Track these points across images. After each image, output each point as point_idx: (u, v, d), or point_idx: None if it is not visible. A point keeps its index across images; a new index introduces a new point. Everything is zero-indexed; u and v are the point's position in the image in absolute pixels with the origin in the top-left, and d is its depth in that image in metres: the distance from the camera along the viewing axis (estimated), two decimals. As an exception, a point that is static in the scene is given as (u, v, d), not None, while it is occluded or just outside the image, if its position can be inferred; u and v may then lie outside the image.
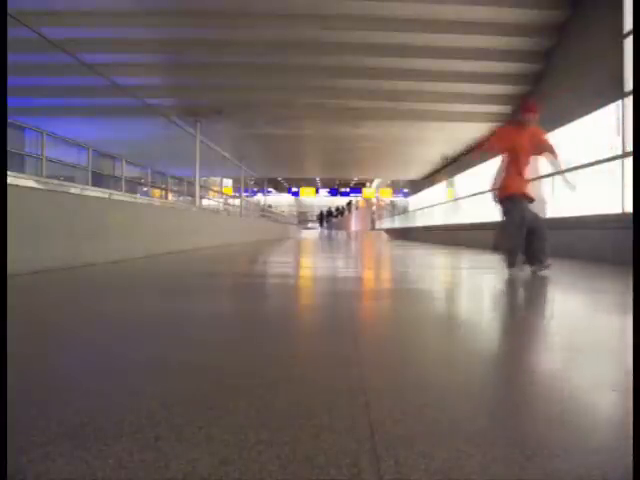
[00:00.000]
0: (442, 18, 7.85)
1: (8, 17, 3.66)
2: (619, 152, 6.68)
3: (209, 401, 1.14)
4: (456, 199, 15.98)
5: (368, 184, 47.56)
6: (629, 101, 6.37)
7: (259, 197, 31.87)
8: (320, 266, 6.35)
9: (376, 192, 43.82)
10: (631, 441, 0.88)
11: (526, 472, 0.82)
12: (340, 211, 45.64)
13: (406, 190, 29.17)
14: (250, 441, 0.92)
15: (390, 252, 10.87)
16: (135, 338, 1.85)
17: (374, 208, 44.34)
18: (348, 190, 48.17)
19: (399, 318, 2.42)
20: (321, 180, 45.84)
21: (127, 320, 2.21)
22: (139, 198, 10.80)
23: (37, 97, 9.78)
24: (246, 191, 19.96)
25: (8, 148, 6.18)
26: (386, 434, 0.96)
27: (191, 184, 12.38)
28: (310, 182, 45.75)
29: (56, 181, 7.98)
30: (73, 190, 7.44)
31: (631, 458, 0.83)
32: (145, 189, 13.56)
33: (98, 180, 9.25)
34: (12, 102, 7.91)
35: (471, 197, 14.11)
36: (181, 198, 14.78)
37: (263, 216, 22.12)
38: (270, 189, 38.60)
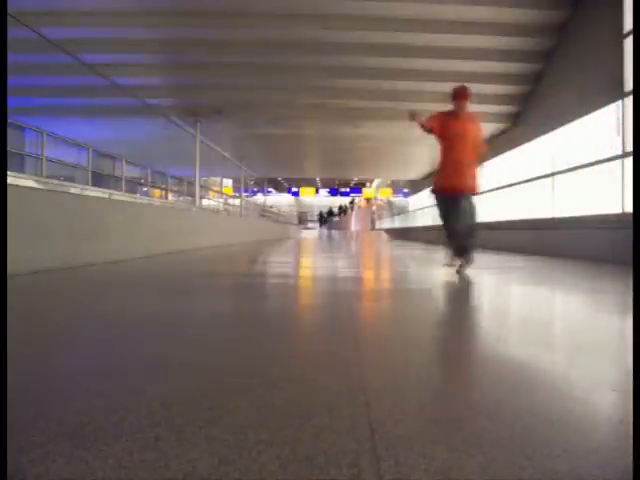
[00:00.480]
0: (442, 18, 7.85)
1: (8, 17, 3.66)
2: (619, 152, 6.68)
3: (209, 401, 1.14)
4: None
5: (368, 184, 47.56)
6: (629, 101, 6.36)
7: (259, 197, 31.89)
8: (320, 266, 6.35)
9: (376, 192, 43.82)
10: (631, 441, 0.88)
11: (526, 472, 0.82)
12: (343, 209, 45.66)
13: (406, 190, 29.17)
14: (250, 441, 0.92)
15: (390, 252, 10.87)
16: (135, 338, 1.85)
17: (374, 208, 44.35)
18: (348, 190, 48.18)
19: (399, 318, 2.42)
20: (321, 180, 45.85)
21: (127, 320, 2.21)
22: (139, 198, 10.80)
23: (37, 97, 9.77)
24: (246, 191, 19.96)
25: (8, 148, 6.18)
26: (386, 434, 0.96)
27: (191, 184, 12.38)
28: (310, 182, 45.75)
29: (56, 181, 7.98)
30: (73, 190, 7.44)
31: (631, 458, 0.83)
32: (145, 189, 13.56)
33: (98, 180, 9.25)
34: (12, 102, 7.91)
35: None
36: (181, 198, 14.78)
37: (263, 216, 22.12)
38: (270, 189, 38.61)
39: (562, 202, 8.59)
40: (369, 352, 1.68)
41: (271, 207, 27.11)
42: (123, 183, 9.55)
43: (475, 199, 4.37)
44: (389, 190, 36.96)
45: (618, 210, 6.55)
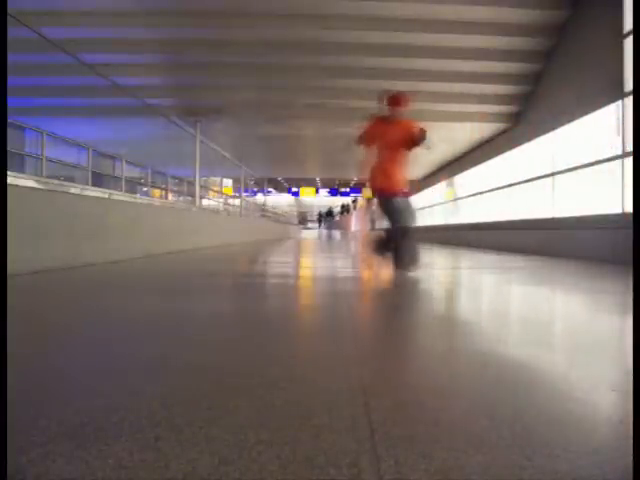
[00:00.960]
0: (442, 18, 7.85)
1: (8, 17, 3.66)
2: (619, 152, 6.68)
3: (209, 401, 1.14)
4: (456, 199, 15.98)
5: (368, 184, 47.48)
6: (629, 101, 6.37)
7: (259, 197, 31.87)
8: (320, 266, 6.35)
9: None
10: (631, 441, 0.88)
11: (526, 472, 0.82)
12: (346, 208, 45.65)
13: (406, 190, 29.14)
14: (250, 441, 0.92)
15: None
16: (135, 338, 1.84)
17: (374, 208, 44.30)
18: (348, 190, 48.14)
19: (399, 318, 2.42)
20: (321, 180, 45.82)
21: (127, 320, 2.21)
22: (139, 198, 10.80)
23: (37, 97, 9.77)
24: (246, 191, 19.94)
25: (8, 148, 6.18)
26: (386, 434, 0.96)
27: (191, 184, 12.37)
28: (310, 182, 45.72)
29: (56, 181, 7.98)
30: (73, 190, 7.43)
31: (631, 458, 0.83)
32: (145, 189, 13.57)
33: (98, 180, 9.26)
34: (12, 102, 7.90)
35: (473, 196, 14.13)
36: (181, 198, 14.77)
37: (263, 216, 22.11)
38: (270, 189, 38.59)
39: (562, 202, 8.60)
40: (369, 352, 1.68)
41: (274, 208, 27.11)
42: (123, 183, 9.55)
43: (411, 201, 4.40)
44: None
45: (618, 210, 6.55)
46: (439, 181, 18.14)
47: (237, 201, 18.32)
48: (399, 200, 4.28)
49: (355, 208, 46.40)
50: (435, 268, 6.02)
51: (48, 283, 3.57)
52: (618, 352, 1.75)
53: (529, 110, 9.90)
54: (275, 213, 26.51)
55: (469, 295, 3.64)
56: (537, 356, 1.63)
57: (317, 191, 48.14)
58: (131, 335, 1.90)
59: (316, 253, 10.09)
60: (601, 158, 7.18)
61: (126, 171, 9.92)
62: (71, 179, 10.10)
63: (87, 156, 8.50)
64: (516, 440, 0.94)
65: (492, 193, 12.35)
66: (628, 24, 6.31)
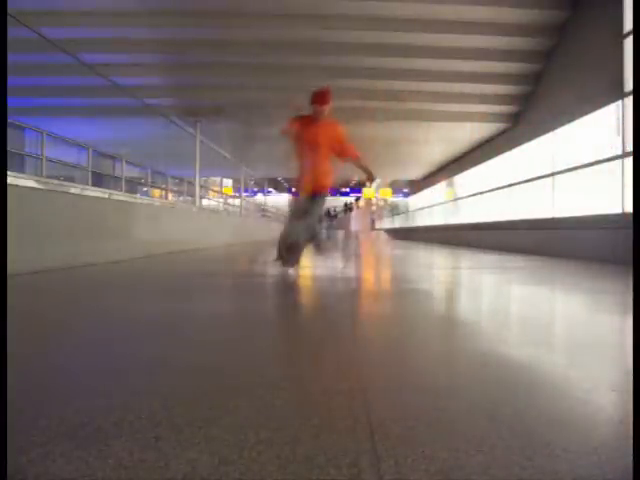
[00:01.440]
0: (442, 18, 7.85)
1: (8, 17, 3.66)
2: (619, 152, 6.68)
3: (209, 401, 1.14)
4: (456, 199, 15.98)
5: (368, 184, 47.53)
6: (629, 101, 6.37)
7: (259, 197, 31.87)
8: (320, 265, 6.34)
9: (376, 192, 43.81)
10: (631, 441, 0.88)
11: (526, 472, 0.82)
12: (349, 207, 45.72)
13: (406, 190, 29.14)
14: (250, 441, 0.92)
15: (390, 252, 10.87)
16: (135, 338, 1.84)
17: (374, 208, 44.33)
18: (348, 190, 48.12)
19: (399, 318, 2.42)
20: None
21: (127, 320, 2.20)
22: (139, 198, 10.80)
23: (37, 97, 9.77)
24: (246, 191, 19.94)
25: (8, 148, 6.18)
26: (386, 434, 0.96)
27: (191, 184, 12.37)
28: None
29: (56, 181, 7.99)
30: (73, 190, 7.44)
31: (631, 458, 0.83)
32: (145, 189, 13.57)
33: (98, 180, 9.27)
34: (12, 102, 7.91)
35: (473, 196, 14.13)
36: (181, 198, 14.78)
37: (264, 216, 22.11)
38: (270, 189, 38.56)
39: (562, 202, 8.60)
40: (369, 352, 1.68)
41: (277, 210, 27.07)
42: (123, 183, 9.56)
43: (323, 201, 4.31)
44: (389, 190, 36.92)
45: (618, 210, 6.55)
46: (439, 181, 18.14)
47: (237, 201, 18.32)
48: (318, 200, 4.21)
49: (357, 206, 46.44)
50: (435, 268, 6.02)
51: (48, 283, 3.57)
52: (618, 352, 1.75)
53: (529, 110, 9.91)
54: (275, 213, 26.50)
55: (470, 295, 3.64)
56: (537, 356, 1.63)
57: (317, 191, 48.09)
58: (131, 335, 1.90)
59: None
60: (601, 158, 7.18)
61: (126, 171, 9.92)
62: (71, 179, 10.11)
63: (87, 156, 8.51)
64: (516, 440, 0.94)
65: (492, 193, 12.36)
66: (628, 24, 6.31)
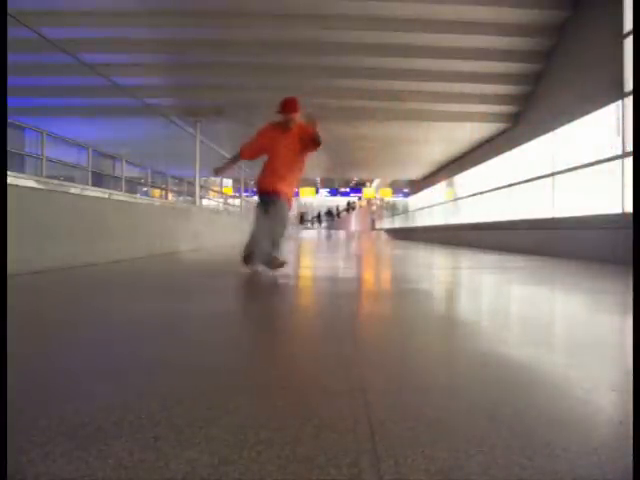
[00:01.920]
0: (442, 18, 7.85)
1: (8, 17, 3.66)
2: (619, 152, 6.68)
3: (209, 401, 1.14)
4: (456, 199, 15.98)
5: (368, 184, 47.52)
6: (629, 101, 6.37)
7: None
8: (321, 266, 6.34)
9: (376, 192, 43.85)
10: (631, 441, 0.88)
11: (526, 472, 0.82)
12: (352, 206, 45.84)
13: (406, 190, 29.16)
14: (250, 441, 0.92)
15: (390, 252, 10.87)
16: (135, 338, 1.84)
17: (374, 208, 44.36)
18: (348, 190, 48.13)
19: (399, 318, 2.42)
20: (321, 180, 45.82)
21: (127, 320, 2.20)
22: (139, 198, 10.80)
23: (37, 97, 9.77)
24: (246, 191, 19.94)
25: (8, 148, 6.18)
26: (386, 434, 0.96)
27: (191, 184, 12.37)
28: (310, 182, 45.70)
29: (56, 181, 7.99)
30: (73, 190, 7.43)
31: (631, 458, 0.83)
32: (145, 189, 13.58)
33: (98, 180, 9.27)
34: (12, 102, 7.91)
35: (473, 196, 14.13)
36: (181, 198, 14.78)
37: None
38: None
39: (562, 202, 8.60)
40: (369, 352, 1.68)
41: None
42: (123, 183, 9.56)
43: (285, 205, 4.30)
44: (389, 190, 36.95)
45: (618, 210, 6.55)
46: (439, 181, 18.14)
47: (237, 201, 18.33)
48: (279, 202, 4.21)
49: (359, 206, 46.56)
50: (435, 268, 6.02)
51: (48, 283, 3.57)
52: (618, 352, 1.75)
53: (529, 110, 9.91)
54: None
55: (470, 295, 3.64)
56: (537, 356, 1.63)
57: (317, 191, 48.12)
58: (131, 335, 1.89)
59: (317, 254, 10.09)
60: (601, 158, 7.18)
61: (126, 171, 9.92)
62: (71, 179, 10.11)
63: (87, 156, 8.51)
64: (516, 440, 0.94)
65: (492, 193, 12.36)
66: (628, 24, 6.31)
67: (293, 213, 46.90)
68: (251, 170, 18.92)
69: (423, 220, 21.01)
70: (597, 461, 0.86)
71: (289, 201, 4.39)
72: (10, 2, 2.44)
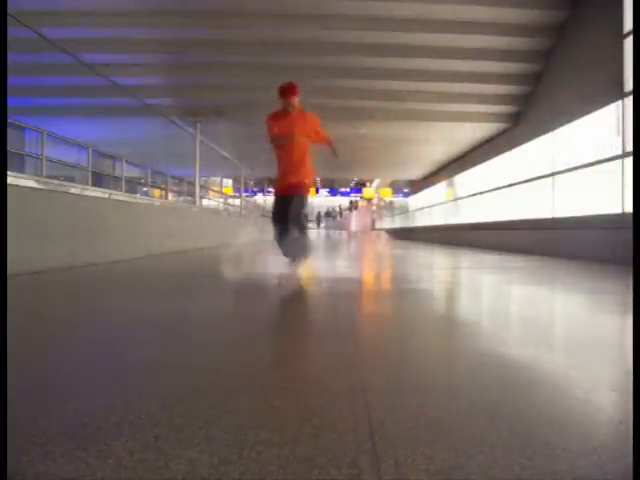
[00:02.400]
0: (442, 18, 7.85)
1: (8, 17, 3.66)
2: (619, 152, 6.68)
3: (209, 401, 1.14)
4: (456, 199, 15.97)
5: (368, 184, 47.58)
6: (629, 101, 6.37)
7: (259, 197, 31.89)
8: (321, 266, 6.34)
9: (376, 192, 43.88)
10: (631, 441, 0.88)
11: (526, 472, 0.82)
12: (354, 205, 45.97)
13: (406, 190, 29.17)
14: (250, 441, 0.92)
15: (390, 252, 10.87)
16: (135, 338, 1.84)
17: (374, 208, 44.38)
18: (348, 190, 48.15)
19: (399, 318, 2.42)
20: (321, 180, 45.83)
21: (127, 320, 2.20)
22: (139, 198, 10.80)
23: (37, 97, 9.77)
24: (246, 191, 19.95)
25: (8, 148, 6.18)
26: (386, 434, 0.96)
27: (191, 184, 12.38)
28: (309, 182, 45.69)
29: (56, 181, 7.99)
30: (73, 190, 7.43)
31: (631, 458, 0.83)
32: (145, 189, 13.58)
33: (98, 180, 9.27)
34: (12, 102, 7.91)
35: (473, 196, 14.13)
36: (181, 198, 14.78)
37: (264, 216, 22.11)
38: (270, 189, 38.58)
39: (562, 202, 8.60)
40: (369, 352, 1.68)
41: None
42: (123, 183, 9.56)
43: (306, 199, 4.24)
44: (389, 190, 36.96)
45: (618, 210, 6.55)
46: (439, 181, 18.14)
47: (237, 201, 18.34)
48: (299, 198, 4.13)
49: (358, 206, 46.62)
50: (435, 268, 6.02)
51: (48, 283, 3.57)
52: (618, 352, 1.75)
53: (529, 110, 9.90)
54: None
55: (470, 295, 3.64)
56: (537, 356, 1.63)
57: (317, 191, 48.18)
58: (131, 335, 1.89)
59: (317, 254, 10.08)
60: (601, 158, 7.18)
61: (126, 171, 9.92)
62: (71, 179, 10.11)
63: (87, 156, 8.51)
64: (516, 440, 0.94)
65: (492, 193, 12.36)
66: (628, 24, 6.31)
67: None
68: (252, 170, 18.94)
69: (423, 220, 21.01)
70: (597, 461, 0.86)
71: (308, 191, 4.27)
72: (10, 2, 2.44)
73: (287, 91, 4.18)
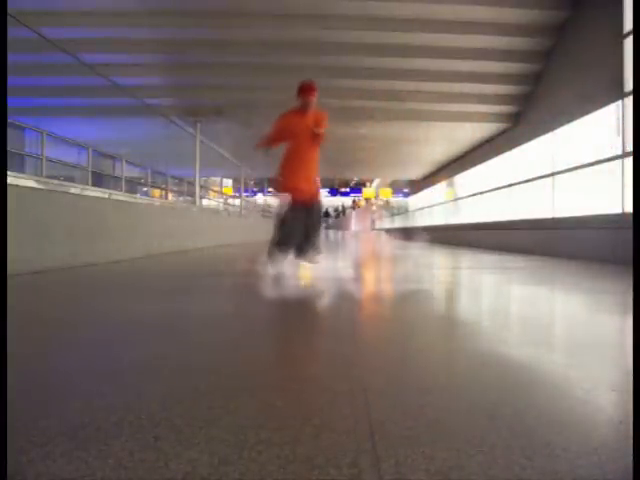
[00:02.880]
0: (442, 18, 7.85)
1: (8, 17, 3.66)
2: (619, 152, 6.68)
3: (209, 401, 1.14)
4: (456, 199, 15.97)
5: (368, 184, 47.58)
6: (629, 101, 6.37)
7: (259, 197, 31.89)
8: (321, 266, 6.34)
9: (376, 192, 43.89)
10: (631, 441, 0.88)
11: (526, 472, 0.82)
12: (357, 204, 46.05)
13: (406, 190, 29.17)
14: (250, 441, 0.92)
15: (390, 252, 10.86)
16: (135, 338, 1.84)
17: (374, 208, 44.39)
18: (348, 190, 48.13)
19: (399, 318, 2.42)
20: (321, 180, 45.87)
21: (127, 320, 2.20)
22: (139, 198, 10.80)
23: (37, 97, 9.77)
24: (246, 191, 19.95)
25: (8, 148, 6.18)
26: (386, 434, 0.96)
27: (191, 184, 12.37)
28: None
29: (56, 181, 7.98)
30: (73, 190, 7.43)
31: (631, 458, 0.83)
32: (145, 189, 13.57)
33: (98, 180, 9.26)
34: (12, 102, 7.91)
35: (473, 196, 14.13)
36: (181, 198, 14.78)
37: (264, 216, 22.12)
38: (270, 189, 38.57)
39: (562, 202, 8.60)
40: (369, 353, 1.68)
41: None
42: (123, 183, 9.56)
43: (321, 206, 4.30)
44: (389, 190, 36.96)
45: (618, 210, 6.55)
46: (439, 181, 18.14)
47: (237, 201, 18.33)
48: (317, 207, 4.15)
49: (357, 207, 46.67)
50: (435, 268, 6.02)
51: (48, 283, 3.57)
52: (618, 352, 1.75)
53: (529, 110, 9.90)
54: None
55: (470, 295, 3.64)
56: (537, 356, 1.62)
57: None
58: (131, 335, 1.89)
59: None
60: (601, 158, 7.18)
61: (126, 171, 9.92)
62: (71, 179, 10.11)
63: (87, 156, 8.51)
64: (516, 440, 0.94)
65: (492, 193, 12.36)
66: (628, 24, 6.31)
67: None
68: (252, 171, 18.94)
69: (423, 220, 21.01)
70: (597, 461, 0.86)
71: (320, 199, 4.28)
72: (10, 2, 2.44)
73: (306, 89, 4.07)
